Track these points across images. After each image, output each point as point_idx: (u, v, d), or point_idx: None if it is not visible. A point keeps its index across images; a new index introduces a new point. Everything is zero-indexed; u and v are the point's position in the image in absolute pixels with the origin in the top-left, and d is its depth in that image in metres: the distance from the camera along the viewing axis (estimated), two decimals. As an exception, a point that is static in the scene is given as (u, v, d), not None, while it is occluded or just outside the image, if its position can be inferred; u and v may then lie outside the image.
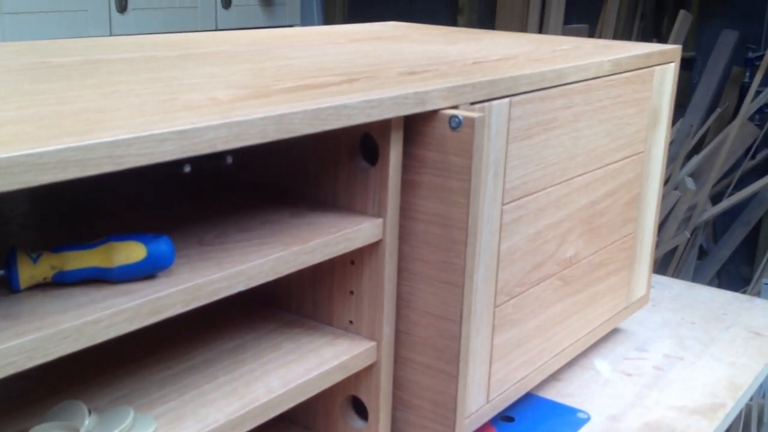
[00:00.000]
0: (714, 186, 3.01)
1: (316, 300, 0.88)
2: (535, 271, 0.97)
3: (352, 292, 0.84)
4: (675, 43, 2.81)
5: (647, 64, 1.12)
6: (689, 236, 2.90)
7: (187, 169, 0.64)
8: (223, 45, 1.03)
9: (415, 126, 0.80)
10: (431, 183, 0.81)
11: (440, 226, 0.81)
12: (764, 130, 2.98)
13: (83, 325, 0.57)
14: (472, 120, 0.77)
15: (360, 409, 0.88)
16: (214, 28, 2.98)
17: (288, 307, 0.90)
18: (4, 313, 0.57)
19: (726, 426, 1.09)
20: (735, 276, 3.15)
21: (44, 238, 0.73)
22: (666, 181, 2.94)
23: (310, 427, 0.91)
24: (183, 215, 0.80)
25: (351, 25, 1.38)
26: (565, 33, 3.13)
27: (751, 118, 3.00)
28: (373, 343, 0.84)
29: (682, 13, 3.01)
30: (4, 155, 0.48)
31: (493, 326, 0.91)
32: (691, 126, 3.04)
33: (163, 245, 0.63)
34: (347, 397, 0.88)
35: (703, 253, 3.16)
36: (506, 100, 0.86)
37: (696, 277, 3.05)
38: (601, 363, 1.19)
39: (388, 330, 0.84)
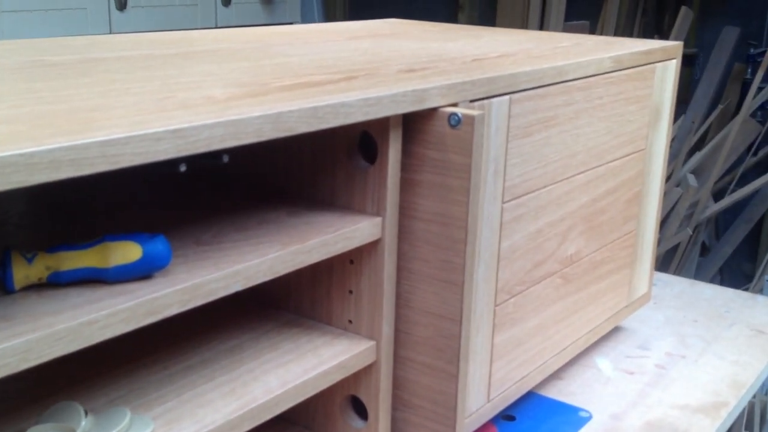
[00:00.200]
0: (716, 183, 3.00)
1: (315, 299, 0.87)
2: (535, 270, 0.96)
3: (351, 292, 0.84)
4: (676, 39, 2.81)
5: (648, 60, 1.11)
6: (691, 233, 2.90)
7: (183, 168, 0.64)
8: (220, 43, 1.03)
9: (414, 124, 0.79)
10: (431, 181, 0.80)
11: (440, 225, 0.80)
12: (766, 126, 2.98)
13: (78, 326, 0.56)
14: (471, 118, 0.76)
15: (359, 409, 0.87)
16: (214, 25, 2.98)
17: (286, 307, 0.90)
18: (-1, 314, 0.57)
19: (729, 424, 1.08)
20: (737, 273, 3.14)
21: (39, 238, 0.72)
22: (668, 178, 2.93)
23: (310, 427, 0.91)
24: (180, 214, 0.80)
25: (350, 23, 1.38)
26: (566, 30, 3.12)
27: (753, 115, 2.99)
28: (372, 343, 0.83)
29: (683, 9, 3.00)
30: (-5, 155, 0.48)
31: (494, 325, 0.91)
32: (693, 123, 3.03)
33: (159, 245, 0.63)
34: (347, 396, 0.87)
35: (705, 250, 3.15)
36: (506, 97, 0.85)
37: (698, 274, 3.04)
38: (602, 361, 1.18)
39: (387, 329, 0.83)
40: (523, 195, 0.91)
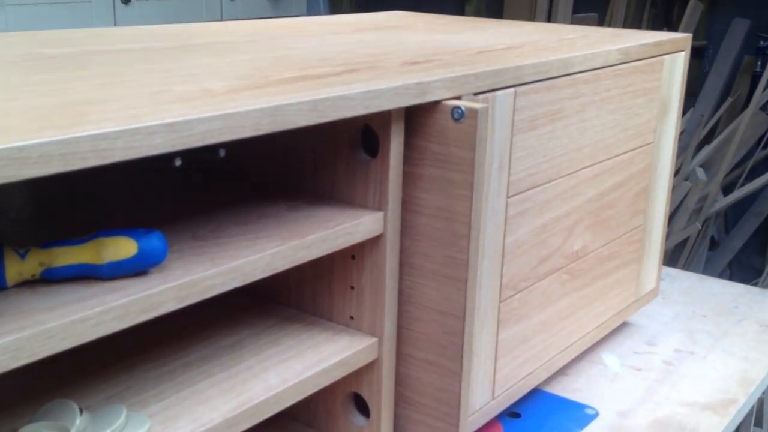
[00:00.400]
0: (725, 176, 2.97)
1: (316, 295, 0.86)
2: (541, 265, 0.95)
3: (352, 287, 0.83)
4: (686, 31, 2.78)
5: (657, 53, 1.09)
6: (700, 227, 2.88)
7: (178, 162, 0.62)
8: (221, 36, 1.01)
9: (417, 117, 0.78)
10: (433, 175, 0.78)
11: (443, 220, 0.79)
12: (776, 119, 2.95)
13: (71, 323, 0.55)
14: (475, 111, 0.75)
15: (362, 406, 0.86)
16: (219, 19, 2.96)
17: (288, 302, 0.88)
18: (-10, 311, 0.56)
19: (738, 422, 1.07)
20: (747, 267, 3.12)
21: (32, 234, 0.71)
22: (677, 172, 2.91)
23: (311, 424, 0.89)
24: (178, 209, 0.79)
25: (355, 15, 1.36)
26: (574, 22, 3.10)
27: (762, 108, 2.96)
28: (374, 339, 0.82)
29: (692, 1, 2.97)
30: (-17, 149, 0.47)
31: (498, 321, 0.89)
32: (702, 116, 3.01)
33: (154, 240, 0.61)
34: (349, 393, 0.86)
35: (714, 245, 3.13)
36: (511, 90, 0.84)
37: (707, 269, 3.02)
38: (609, 357, 1.17)
39: (389, 326, 0.82)
40: (528, 189, 0.89)
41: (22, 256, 0.59)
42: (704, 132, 3.02)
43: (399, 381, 0.85)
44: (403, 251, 0.82)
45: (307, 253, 0.72)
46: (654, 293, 1.26)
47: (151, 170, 0.90)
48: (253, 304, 0.88)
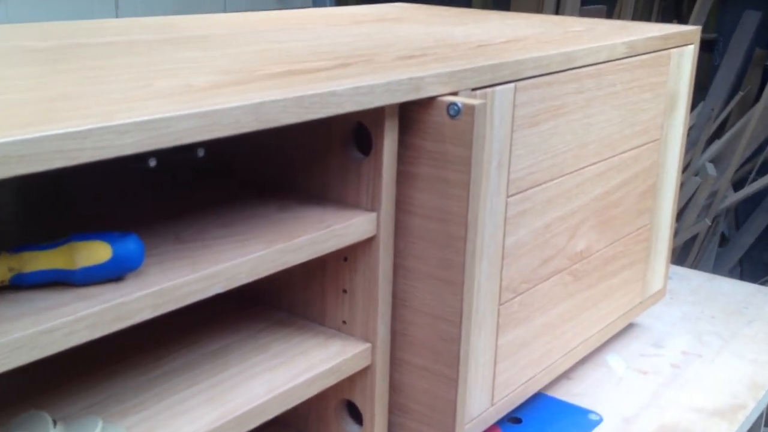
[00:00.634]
0: (736, 172, 2.93)
1: (308, 298, 0.83)
2: (543, 267, 0.92)
3: (345, 291, 0.79)
4: (696, 24, 2.73)
5: (664, 46, 1.05)
6: (710, 224, 2.84)
7: (153, 163, 0.59)
8: (211, 28, 0.98)
9: (411, 114, 0.75)
10: (428, 175, 0.75)
11: (438, 221, 0.75)
12: (788, 113, 2.90)
13: (38, 334, 0.52)
14: (471, 107, 0.72)
15: (354, 414, 0.83)
16: (222, 10, 2.93)
17: (278, 305, 0.85)
18: (-45, 319, 0.53)
19: (747, 428, 1.03)
20: (758, 263, 3.08)
21: (1, 237, 0.68)
22: (686, 167, 2.87)
23: (303, 431, 0.86)
24: (162, 209, 0.75)
25: (356, 7, 1.33)
26: (582, 14, 3.06)
27: (774, 102, 2.92)
28: (367, 345, 0.79)
29: (703, -7, 2.92)
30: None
31: (498, 325, 0.86)
32: (712, 110, 2.97)
33: (130, 244, 0.58)
34: (341, 400, 0.83)
35: (724, 241, 3.09)
36: (511, 85, 0.80)
37: (717, 265, 2.98)
38: (614, 360, 1.14)
39: (383, 330, 0.79)
40: (529, 188, 0.86)
41: (-9, 261, 0.56)
42: (714, 126, 2.98)
43: (393, 388, 0.82)
44: (397, 253, 0.78)
45: (295, 256, 0.69)
46: (661, 294, 1.22)
47: (134, 169, 0.87)
48: (241, 307, 0.85)
